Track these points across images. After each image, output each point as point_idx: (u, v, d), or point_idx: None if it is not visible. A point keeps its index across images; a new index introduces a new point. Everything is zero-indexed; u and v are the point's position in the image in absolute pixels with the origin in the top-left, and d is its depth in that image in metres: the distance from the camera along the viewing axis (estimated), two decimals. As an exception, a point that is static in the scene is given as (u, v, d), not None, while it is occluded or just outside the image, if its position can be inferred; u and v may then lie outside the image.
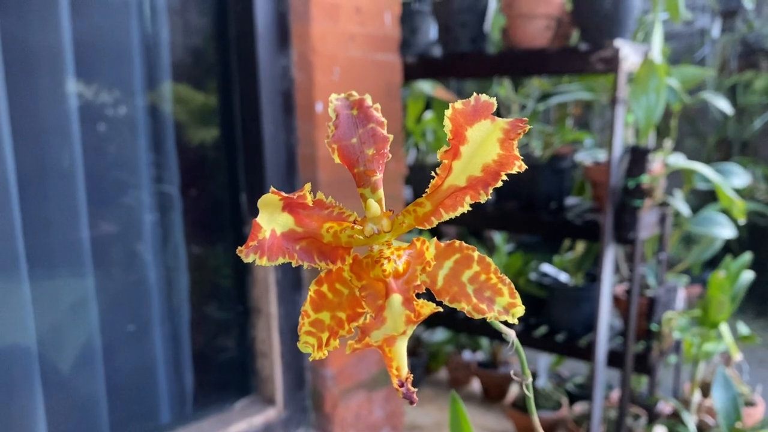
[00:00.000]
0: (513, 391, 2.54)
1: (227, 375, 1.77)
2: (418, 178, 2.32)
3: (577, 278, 2.26)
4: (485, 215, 2.15)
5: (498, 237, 2.58)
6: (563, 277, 2.29)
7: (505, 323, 0.38)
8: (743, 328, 2.08)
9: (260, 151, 1.62)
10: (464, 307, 0.37)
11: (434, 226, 0.36)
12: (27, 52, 1.29)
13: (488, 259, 0.36)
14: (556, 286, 2.20)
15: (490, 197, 0.34)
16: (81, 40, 1.36)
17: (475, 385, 2.73)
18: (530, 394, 0.46)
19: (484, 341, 2.73)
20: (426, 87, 2.20)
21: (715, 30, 3.91)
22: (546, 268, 2.34)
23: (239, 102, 1.64)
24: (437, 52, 2.17)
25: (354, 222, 0.35)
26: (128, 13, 1.45)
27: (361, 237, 0.35)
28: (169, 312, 1.62)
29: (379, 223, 0.35)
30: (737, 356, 1.89)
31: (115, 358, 1.50)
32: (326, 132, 1.46)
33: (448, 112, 0.34)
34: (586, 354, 2.04)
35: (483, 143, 0.34)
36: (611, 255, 1.82)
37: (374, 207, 0.35)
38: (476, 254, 0.37)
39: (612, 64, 1.67)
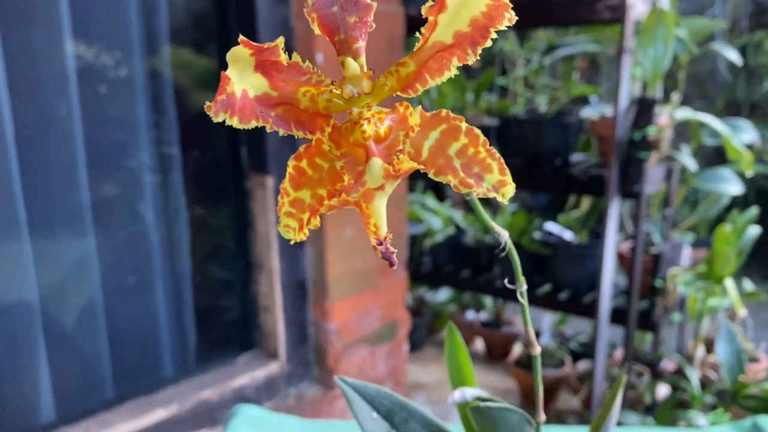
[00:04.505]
0: (516, 350, 2.55)
1: (230, 330, 1.77)
2: (422, 136, 2.29)
3: (582, 236, 2.25)
4: (489, 172, 2.12)
5: (502, 197, 2.56)
6: (567, 235, 2.28)
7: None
8: (748, 285, 2.06)
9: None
10: (451, 180, 0.35)
11: (419, 93, 0.34)
12: (24, 15, 1.26)
13: (477, 131, 0.34)
14: (560, 244, 2.18)
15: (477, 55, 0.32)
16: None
17: (479, 344, 2.74)
18: (525, 302, 0.45)
19: (488, 301, 2.73)
20: (429, 42, 2.15)
21: (727, -12, 3.83)
22: (550, 226, 2.32)
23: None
24: (441, 5, 2.12)
25: (332, 83, 0.34)
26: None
27: (340, 101, 0.33)
28: (171, 268, 1.61)
29: (359, 85, 0.33)
30: (742, 311, 1.88)
31: (119, 314, 1.50)
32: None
33: (433, -40, 0.32)
34: (590, 311, 2.04)
35: None
36: (616, 209, 1.80)
37: (353, 66, 0.33)
38: (464, 125, 0.35)
39: (619, 12, 1.63)
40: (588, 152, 2.22)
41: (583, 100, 2.49)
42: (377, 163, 0.32)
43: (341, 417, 1.82)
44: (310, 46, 1.59)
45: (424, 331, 2.73)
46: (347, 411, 1.81)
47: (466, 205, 3.05)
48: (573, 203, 2.43)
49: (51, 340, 1.38)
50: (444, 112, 0.35)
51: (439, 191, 3.23)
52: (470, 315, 2.75)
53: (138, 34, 1.46)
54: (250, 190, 1.68)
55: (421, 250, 2.56)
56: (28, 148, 1.29)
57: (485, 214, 0.39)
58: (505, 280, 0.44)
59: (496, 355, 2.65)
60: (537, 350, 0.51)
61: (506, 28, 0.33)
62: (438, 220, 2.57)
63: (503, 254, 0.41)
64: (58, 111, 1.33)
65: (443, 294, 2.80)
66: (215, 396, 1.58)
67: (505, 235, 0.41)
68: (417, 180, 2.90)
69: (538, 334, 2.43)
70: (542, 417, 0.56)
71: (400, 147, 0.33)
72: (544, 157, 2.01)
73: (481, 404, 0.52)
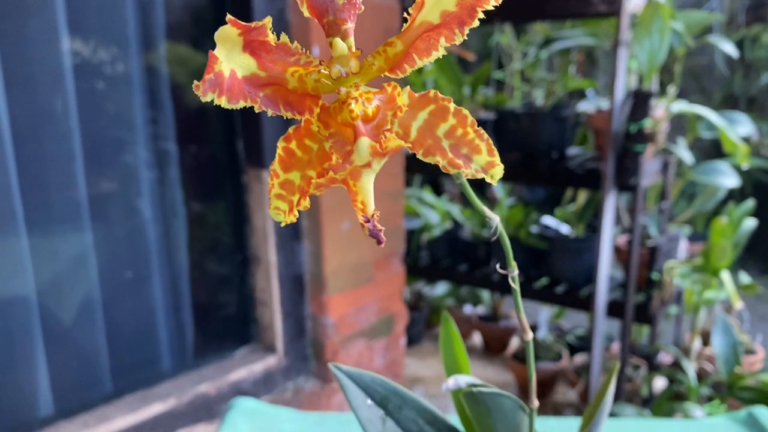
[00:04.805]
0: (514, 343, 2.56)
1: (227, 324, 1.78)
2: (419, 130, 2.29)
3: (579, 229, 2.25)
4: (486, 166, 2.12)
5: (500, 191, 2.57)
6: (564, 228, 2.28)
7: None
8: (745, 278, 2.07)
9: (256, 97, 1.60)
10: (439, 161, 0.35)
11: (407, 74, 0.34)
12: (19, 10, 1.26)
13: (465, 111, 0.35)
14: (557, 238, 2.19)
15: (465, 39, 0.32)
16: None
17: (476, 338, 2.75)
18: (516, 287, 0.45)
19: (485, 295, 2.73)
20: (426, 35, 2.15)
21: (724, -18, 3.82)
22: (547, 220, 2.33)
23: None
24: (437, -1, 2.12)
25: (320, 63, 0.34)
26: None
27: (328, 81, 0.33)
28: (169, 263, 1.61)
29: (347, 64, 0.33)
30: (738, 304, 1.89)
31: (117, 309, 1.50)
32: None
33: (418, -61, 0.32)
34: (586, 305, 2.04)
35: None
36: (612, 202, 1.81)
37: (341, 45, 0.33)
38: (452, 106, 0.35)
39: (615, 5, 1.63)
40: (584, 146, 2.22)
41: (580, 94, 2.49)
42: (365, 142, 0.32)
43: (339, 411, 1.82)
44: (307, 40, 1.59)
45: (422, 325, 2.73)
46: (345, 405, 1.81)
47: (464, 200, 3.06)
48: (570, 197, 2.43)
49: (49, 335, 1.38)
50: (432, 92, 0.35)
51: (437, 186, 3.23)
52: (468, 309, 2.75)
53: (134, 30, 1.45)
54: (247, 184, 1.68)
55: (418, 245, 2.56)
56: (24, 144, 1.29)
57: (476, 199, 0.39)
58: (497, 266, 0.45)
59: (493, 348, 2.65)
60: (529, 336, 0.51)
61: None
62: (435, 214, 2.58)
63: (494, 238, 0.41)
64: (55, 107, 1.33)
65: (441, 288, 2.80)
66: (213, 390, 1.58)
67: (495, 220, 0.41)
68: (414, 174, 2.90)
69: (535, 328, 2.44)
70: (535, 403, 0.56)
71: (388, 127, 0.33)
72: (541, 150, 2.01)
73: (474, 389, 0.52)
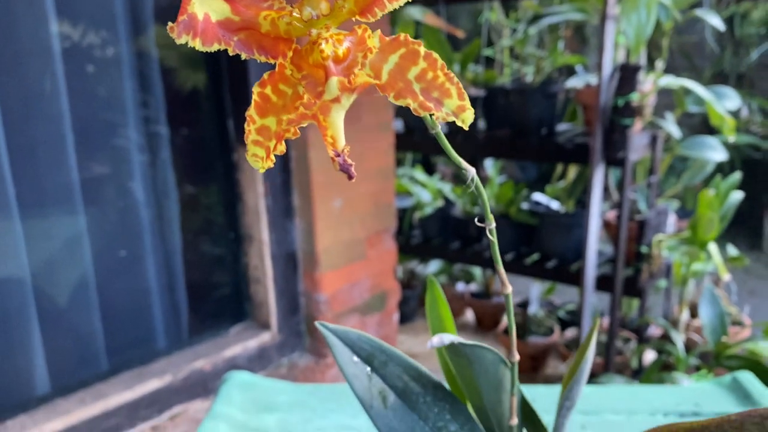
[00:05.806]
0: (506, 319, 2.58)
1: (222, 302, 1.79)
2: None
3: (569, 205, 2.27)
4: (476, 143, 2.14)
5: (491, 169, 2.58)
6: (555, 205, 2.30)
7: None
8: (732, 250, 2.09)
9: (245, 76, 1.60)
10: (410, 104, 0.36)
11: (378, 18, 0.35)
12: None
13: (435, 55, 0.36)
14: (547, 214, 2.21)
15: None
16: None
17: (469, 315, 2.78)
18: (494, 239, 0.47)
19: (477, 272, 2.76)
20: (416, 13, 2.15)
21: (714, -42, 3.82)
22: (537, 196, 2.35)
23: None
24: (426, -24, 2.12)
25: (292, 6, 0.35)
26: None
27: (300, 24, 0.35)
28: (163, 243, 1.63)
29: (318, 7, 0.35)
30: (726, 276, 1.91)
31: (112, 289, 1.51)
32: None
33: None
34: (576, 279, 2.07)
35: None
36: (600, 176, 1.82)
37: None
38: (422, 49, 0.36)
39: (602, -21, 1.64)
40: (574, 122, 2.23)
41: (570, 71, 2.49)
42: (336, 80, 0.34)
43: (333, 385, 1.85)
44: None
45: (416, 303, 2.76)
46: (339, 378, 1.83)
47: (455, 178, 3.07)
48: (560, 174, 2.45)
49: (44, 315, 1.39)
50: (402, 36, 0.36)
51: (429, 165, 3.24)
52: (460, 286, 2.78)
53: (123, 13, 1.45)
54: (238, 162, 1.69)
55: (410, 223, 2.58)
56: (15, 128, 1.29)
57: (452, 149, 0.41)
58: (476, 220, 0.46)
59: (486, 325, 2.68)
60: (508, 289, 0.53)
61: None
62: (427, 193, 2.59)
63: (470, 190, 0.42)
64: (45, 90, 1.33)
65: (433, 266, 2.82)
66: (208, 366, 1.60)
67: (471, 171, 0.42)
68: (406, 153, 2.91)
69: (526, 303, 2.47)
70: (516, 356, 0.58)
71: (359, 68, 0.34)
72: (531, 126, 2.03)
73: (456, 341, 0.54)
